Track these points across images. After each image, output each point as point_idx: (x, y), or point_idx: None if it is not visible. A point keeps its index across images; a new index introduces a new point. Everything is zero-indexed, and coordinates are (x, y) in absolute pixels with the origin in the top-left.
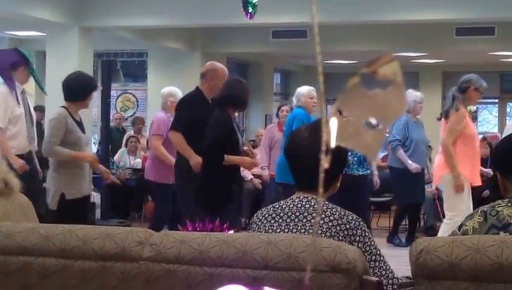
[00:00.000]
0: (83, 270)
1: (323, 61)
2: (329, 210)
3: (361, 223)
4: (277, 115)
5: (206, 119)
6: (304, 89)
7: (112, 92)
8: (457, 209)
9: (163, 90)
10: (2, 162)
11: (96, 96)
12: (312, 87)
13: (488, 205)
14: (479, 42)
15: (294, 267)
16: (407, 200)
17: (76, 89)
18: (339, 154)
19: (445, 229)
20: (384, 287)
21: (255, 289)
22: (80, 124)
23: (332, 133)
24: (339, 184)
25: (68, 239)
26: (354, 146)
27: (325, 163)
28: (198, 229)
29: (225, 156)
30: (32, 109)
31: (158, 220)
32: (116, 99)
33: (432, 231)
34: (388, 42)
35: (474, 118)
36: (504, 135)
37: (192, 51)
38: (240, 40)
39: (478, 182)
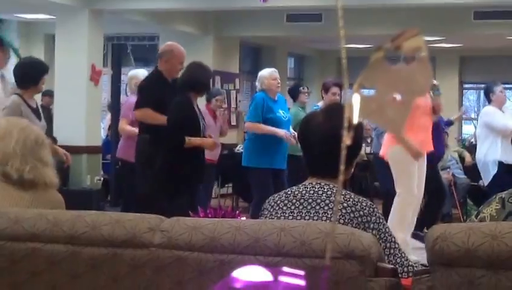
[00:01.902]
0: (92, 257)
1: (338, 45)
2: (342, 197)
3: (375, 209)
4: (208, 100)
5: (168, 100)
6: (265, 72)
7: (122, 76)
8: (402, 186)
9: (128, 74)
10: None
11: (106, 80)
12: (274, 69)
13: (506, 192)
14: (498, 26)
15: (308, 254)
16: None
17: (28, 74)
18: (353, 140)
19: (393, 207)
20: (400, 275)
21: (273, 270)
22: (35, 111)
23: (355, 109)
24: (352, 170)
25: (77, 225)
26: (378, 122)
27: (347, 140)
28: (210, 215)
29: (186, 138)
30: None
31: (127, 200)
32: (127, 84)
33: (448, 218)
34: (404, 26)
35: (434, 92)
36: (483, 120)
37: (205, 34)
38: (253, 24)
39: (428, 148)
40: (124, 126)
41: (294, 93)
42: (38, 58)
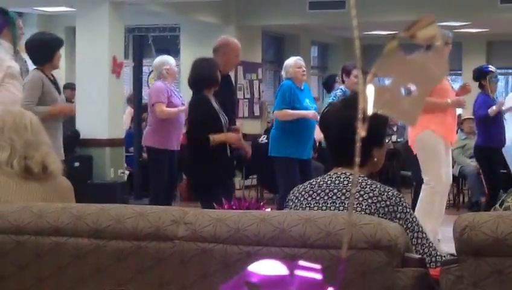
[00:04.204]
0: (117, 250)
1: (362, 32)
2: (368, 186)
3: (402, 199)
4: None
5: (225, 95)
6: (290, 60)
7: (143, 68)
8: (431, 173)
9: (154, 62)
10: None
11: (128, 72)
12: (298, 57)
13: None
14: None
15: (334, 245)
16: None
17: (42, 51)
18: (375, 129)
19: (421, 196)
20: (428, 265)
21: (289, 264)
22: (55, 84)
23: (370, 100)
24: (376, 159)
25: (101, 219)
26: (392, 113)
27: (362, 131)
28: (234, 207)
29: (210, 136)
30: (29, 68)
31: (155, 190)
32: (148, 76)
33: (476, 206)
34: (430, 11)
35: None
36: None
37: (226, 24)
38: (276, 12)
39: (452, 139)
40: (165, 110)
41: (328, 85)
42: (51, 33)
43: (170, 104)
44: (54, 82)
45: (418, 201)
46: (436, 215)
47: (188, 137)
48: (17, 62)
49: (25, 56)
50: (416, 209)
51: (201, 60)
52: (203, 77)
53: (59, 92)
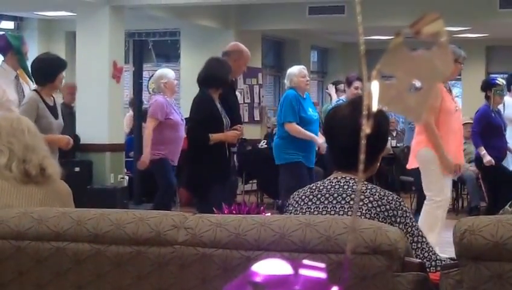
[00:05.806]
0: (117, 255)
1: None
2: (368, 191)
3: (402, 203)
4: None
5: (232, 100)
6: (294, 69)
7: (144, 72)
8: (434, 189)
9: (155, 74)
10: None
11: (128, 77)
12: (302, 66)
13: None
14: None
15: (334, 249)
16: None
17: (44, 71)
18: (378, 134)
19: (424, 210)
20: (427, 269)
21: (293, 263)
22: (52, 109)
23: (374, 97)
24: (378, 165)
25: (101, 224)
26: (397, 110)
27: (366, 128)
28: (234, 212)
29: (210, 135)
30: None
31: (163, 198)
32: (149, 81)
33: (476, 211)
34: None
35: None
36: (506, 111)
37: (226, 29)
38: (275, 17)
39: (461, 160)
40: (149, 132)
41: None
42: (55, 54)
43: (169, 120)
44: (52, 107)
45: (421, 217)
46: (439, 229)
47: (187, 135)
48: (17, 89)
49: (24, 83)
50: (418, 223)
51: (215, 59)
52: (212, 76)
53: (56, 117)
